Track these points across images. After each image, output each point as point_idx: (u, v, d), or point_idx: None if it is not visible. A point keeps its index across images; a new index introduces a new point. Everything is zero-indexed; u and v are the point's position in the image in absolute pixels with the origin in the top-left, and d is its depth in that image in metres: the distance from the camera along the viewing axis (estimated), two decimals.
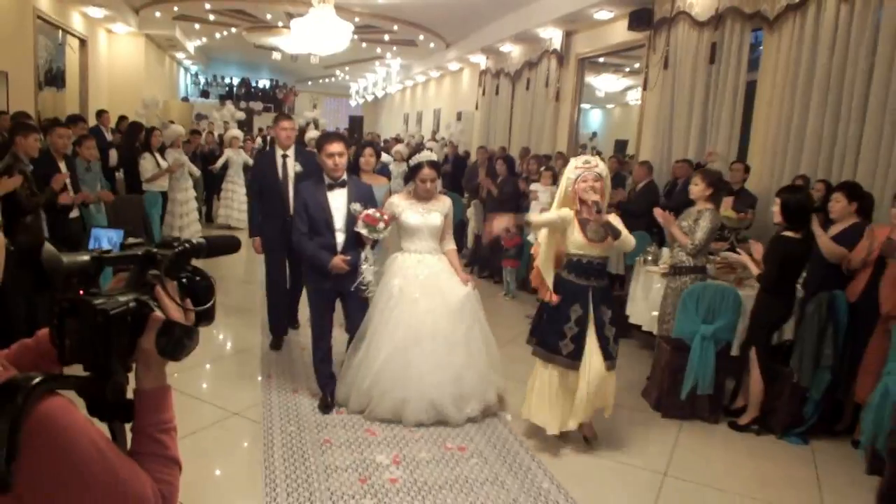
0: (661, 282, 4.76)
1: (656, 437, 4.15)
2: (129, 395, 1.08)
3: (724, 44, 7.43)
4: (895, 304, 3.64)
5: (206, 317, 1.17)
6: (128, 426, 1.09)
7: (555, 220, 3.77)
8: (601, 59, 11.74)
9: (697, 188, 4.45)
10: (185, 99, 22.63)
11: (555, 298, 3.78)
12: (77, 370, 1.02)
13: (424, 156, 4.18)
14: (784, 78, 6.60)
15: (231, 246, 1.27)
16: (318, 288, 4.17)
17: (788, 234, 3.96)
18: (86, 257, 1.06)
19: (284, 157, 5.26)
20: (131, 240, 1.16)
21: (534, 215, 3.94)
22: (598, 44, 10.32)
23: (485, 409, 4.18)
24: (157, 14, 13.66)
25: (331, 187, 4.11)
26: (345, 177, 4.16)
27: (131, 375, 1.09)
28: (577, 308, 3.73)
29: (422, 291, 4.05)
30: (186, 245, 1.16)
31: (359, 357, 4.10)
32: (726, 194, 5.59)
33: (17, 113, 7.17)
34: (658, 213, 4.52)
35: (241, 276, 7.83)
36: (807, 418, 4.15)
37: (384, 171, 6.68)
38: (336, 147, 4.06)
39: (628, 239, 3.74)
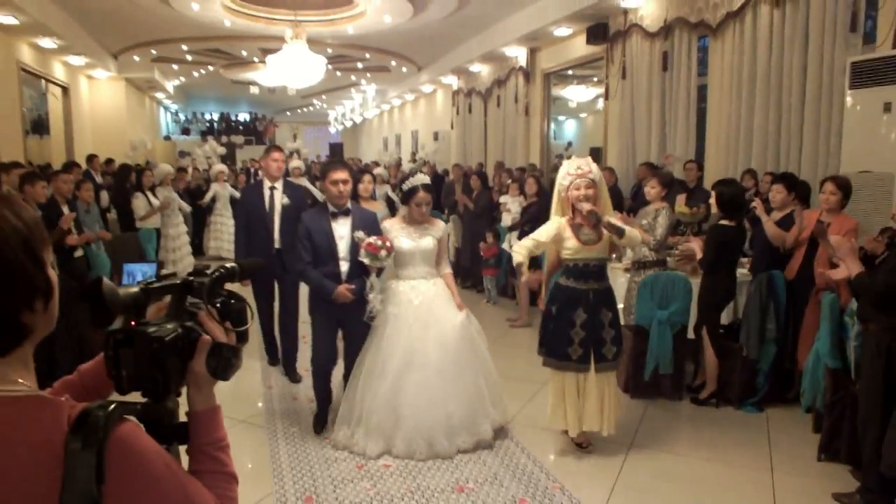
0: (624, 276, 5.18)
1: (624, 415, 4.54)
2: (181, 418, 1.16)
3: (674, 52, 7.94)
4: (825, 280, 4.07)
5: (244, 337, 1.24)
6: (182, 448, 1.16)
7: (532, 248, 3.86)
8: (570, 72, 12.24)
9: (654, 190, 4.91)
10: (167, 137, 23.06)
11: (541, 304, 3.94)
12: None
13: (419, 179, 4.14)
14: (730, 80, 7.09)
15: (259, 267, 1.50)
16: (322, 317, 4.15)
17: (724, 222, 4.42)
18: (136, 289, 1.12)
19: (272, 189, 5.24)
20: (164, 271, 1.31)
21: (518, 256, 3.84)
22: (560, 58, 10.83)
23: (477, 442, 4.02)
24: (136, 58, 14.12)
25: (335, 216, 4.08)
26: (349, 205, 4.14)
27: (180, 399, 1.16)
28: (581, 313, 3.77)
29: (415, 319, 3.98)
30: (221, 271, 1.23)
31: (354, 389, 4.04)
32: (681, 191, 6.04)
33: (11, 163, 7.54)
34: (618, 216, 4.96)
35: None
36: (759, 388, 4.58)
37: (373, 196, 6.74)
38: (341, 174, 4.04)
39: (633, 234, 3.84)
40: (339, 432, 4.04)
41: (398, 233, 4.12)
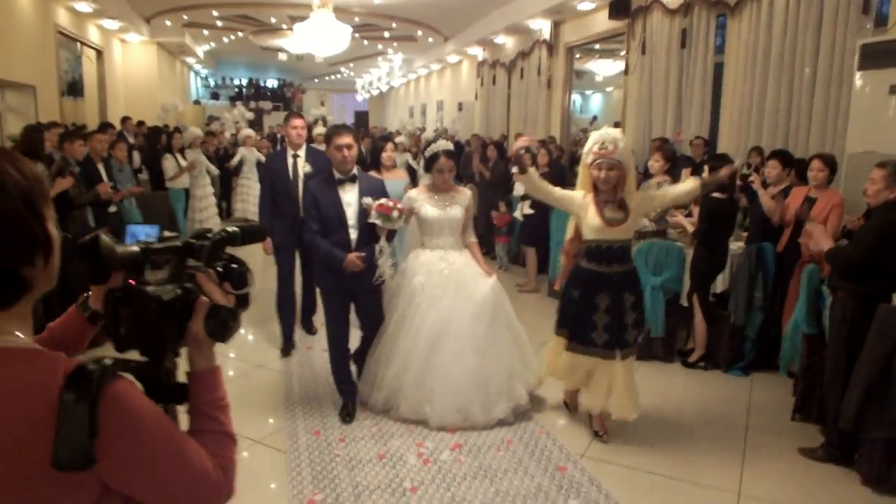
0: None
1: None
2: (180, 378, 1.18)
3: (693, 29, 8.04)
4: (809, 254, 4.29)
5: (244, 302, 1.23)
6: (181, 408, 1.18)
7: (540, 185, 3.74)
8: (597, 46, 12.31)
9: (657, 164, 5.15)
10: (197, 102, 23.45)
11: (556, 284, 3.87)
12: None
13: (441, 145, 4.09)
14: (745, 60, 7.21)
15: (262, 232, 1.34)
16: (331, 287, 4.04)
17: (716, 195, 4.63)
18: (136, 248, 1.14)
19: (295, 156, 5.19)
20: (167, 233, 1.25)
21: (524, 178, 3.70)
22: (583, 32, 10.93)
23: (515, 407, 4.03)
24: (168, 23, 14.41)
25: (341, 183, 3.95)
26: (355, 171, 4.02)
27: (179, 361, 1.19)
28: (605, 297, 3.63)
29: (444, 288, 3.94)
30: (222, 234, 1.22)
31: (379, 355, 4.03)
32: (687, 166, 6.23)
33: (50, 123, 7.92)
34: None
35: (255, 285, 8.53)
36: (746, 354, 4.84)
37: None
38: (345, 139, 3.90)
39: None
40: (374, 395, 4.06)
41: (424, 202, 4.04)
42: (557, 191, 3.80)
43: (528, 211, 7.07)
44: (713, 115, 7.96)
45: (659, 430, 4.02)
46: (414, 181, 6.40)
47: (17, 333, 0.98)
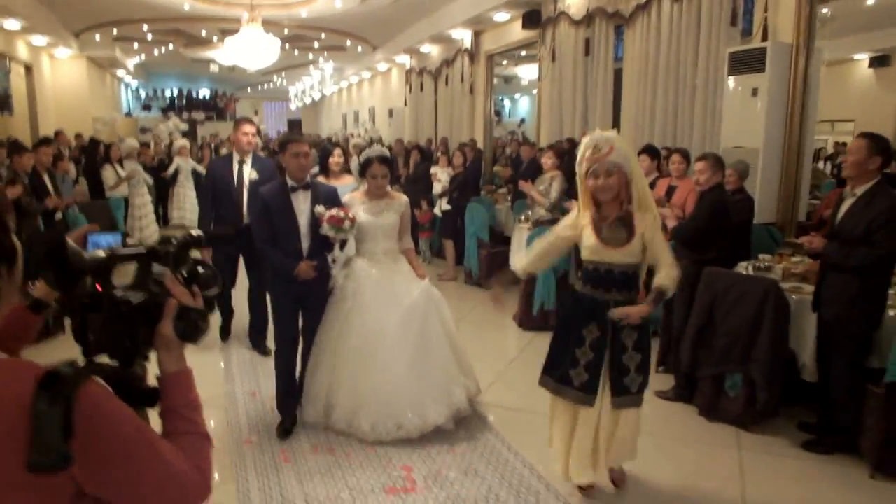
0: (528, 234, 6.15)
1: (513, 342, 5.68)
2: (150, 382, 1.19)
3: (595, 39, 8.86)
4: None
5: (212, 304, 1.26)
6: (152, 412, 1.18)
7: (540, 253, 3.30)
8: (523, 52, 13.07)
9: (550, 161, 5.86)
10: (129, 114, 23.38)
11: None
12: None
13: (374, 151, 4.06)
14: (640, 65, 8.03)
15: (227, 236, 1.64)
16: (283, 294, 3.97)
17: None
18: (102, 254, 1.15)
19: (241, 163, 5.15)
20: (129, 241, 1.45)
21: (518, 264, 3.38)
22: (501, 41, 11.69)
23: (454, 413, 3.92)
24: (97, 37, 14.57)
25: (294, 190, 3.90)
26: (308, 179, 4.00)
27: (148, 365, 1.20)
28: (594, 328, 3.06)
29: (374, 295, 3.89)
30: (187, 238, 1.26)
31: (312, 366, 3.99)
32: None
33: None
34: (521, 184, 5.91)
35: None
36: None
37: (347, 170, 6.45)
38: (302, 147, 3.86)
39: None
40: (307, 408, 4.00)
41: (358, 207, 3.99)
42: (546, 241, 3.29)
43: (446, 207, 7.78)
44: (615, 117, 8.78)
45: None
46: None
47: None
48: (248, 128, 5.22)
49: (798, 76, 6.04)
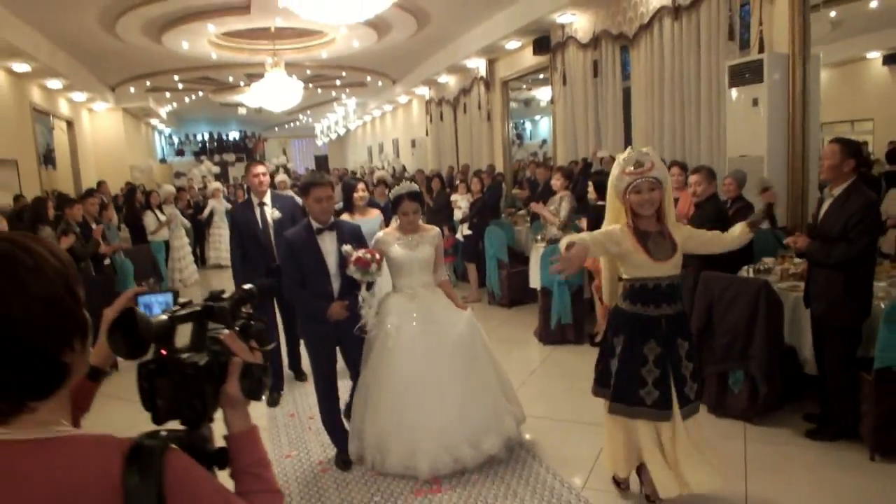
0: (542, 250, 6.46)
1: (535, 355, 5.95)
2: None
3: (602, 60, 9.20)
4: None
5: (267, 357, 1.26)
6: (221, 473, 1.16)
7: (587, 239, 3.12)
8: (541, 76, 13.43)
9: (559, 182, 6.17)
10: (163, 160, 24.31)
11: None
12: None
13: (404, 187, 4.04)
14: (646, 83, 8.33)
15: (274, 288, 1.64)
16: (317, 338, 3.99)
17: (599, 203, 5.66)
18: (164, 317, 1.14)
19: (261, 204, 5.20)
20: (182, 300, 1.24)
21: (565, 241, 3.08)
22: (514, 67, 12.09)
23: (506, 441, 3.93)
24: (132, 89, 15.38)
25: (319, 231, 3.93)
26: (331, 219, 4.00)
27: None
28: (654, 345, 3.10)
29: (418, 329, 3.86)
30: (241, 293, 1.27)
31: (360, 409, 3.92)
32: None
33: (37, 198, 8.78)
34: (532, 205, 6.23)
35: None
36: None
37: (372, 203, 6.43)
38: (324, 192, 3.89)
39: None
40: (350, 444, 3.97)
41: (392, 243, 3.99)
42: (591, 236, 3.20)
43: (467, 232, 8.13)
44: (626, 134, 9.07)
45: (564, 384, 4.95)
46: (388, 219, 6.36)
47: (63, 422, 0.98)
48: (258, 168, 5.32)
49: (796, 84, 6.27)
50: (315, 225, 3.95)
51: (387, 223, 5.24)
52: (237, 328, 1.24)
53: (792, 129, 6.34)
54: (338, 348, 4.08)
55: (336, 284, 3.92)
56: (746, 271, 4.56)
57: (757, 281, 4.14)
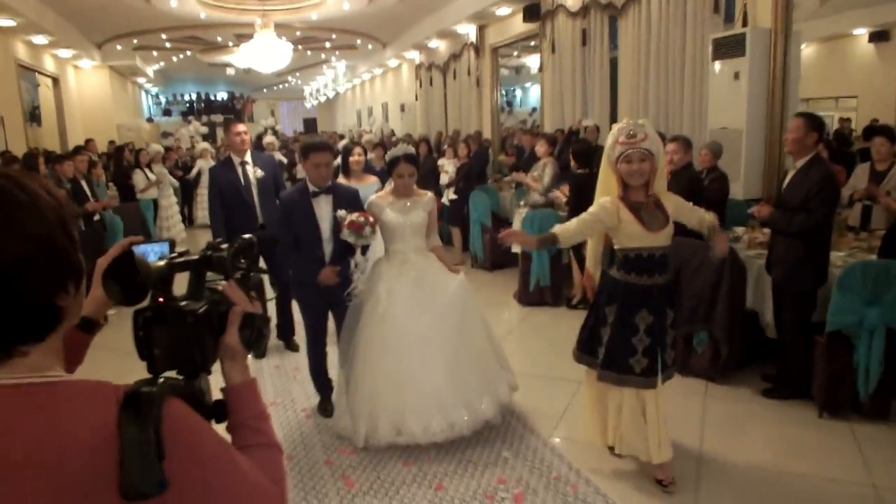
0: (523, 215, 6.65)
1: (514, 316, 6.19)
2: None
3: (591, 29, 9.26)
4: None
5: (265, 310, 1.21)
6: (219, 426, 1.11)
7: (575, 230, 3.24)
8: (532, 42, 13.47)
9: (542, 148, 6.32)
10: (150, 119, 24.16)
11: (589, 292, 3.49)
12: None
13: (400, 149, 3.96)
14: (633, 54, 8.41)
15: (273, 240, 1.49)
16: (309, 300, 4.05)
17: (579, 171, 5.83)
18: (162, 264, 1.10)
19: (243, 163, 5.11)
20: (178, 249, 1.21)
21: (559, 227, 3.28)
22: (504, 34, 12.09)
23: (500, 407, 3.90)
24: (119, 47, 15.23)
25: (315, 195, 3.92)
26: (328, 183, 3.97)
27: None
28: (646, 314, 3.17)
29: (410, 293, 3.79)
30: (240, 243, 1.21)
31: (351, 377, 3.81)
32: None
33: (28, 154, 8.81)
34: (514, 174, 6.37)
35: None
36: None
37: (369, 168, 6.37)
38: (323, 157, 3.86)
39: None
40: (340, 422, 3.91)
41: (385, 207, 3.89)
42: (580, 221, 3.25)
43: (453, 196, 8.29)
44: (612, 103, 9.19)
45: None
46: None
47: (56, 367, 0.95)
48: (240, 127, 5.20)
49: (777, 59, 6.39)
50: (311, 188, 3.94)
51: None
52: (236, 278, 1.19)
53: (771, 103, 6.47)
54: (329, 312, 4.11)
55: (328, 249, 3.94)
56: None
57: None
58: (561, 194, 6.16)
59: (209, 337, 1.10)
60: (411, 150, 4.05)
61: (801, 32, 6.71)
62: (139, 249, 1.25)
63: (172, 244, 1.30)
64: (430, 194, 4.08)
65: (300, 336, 5.06)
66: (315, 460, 3.74)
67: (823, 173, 3.73)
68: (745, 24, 6.67)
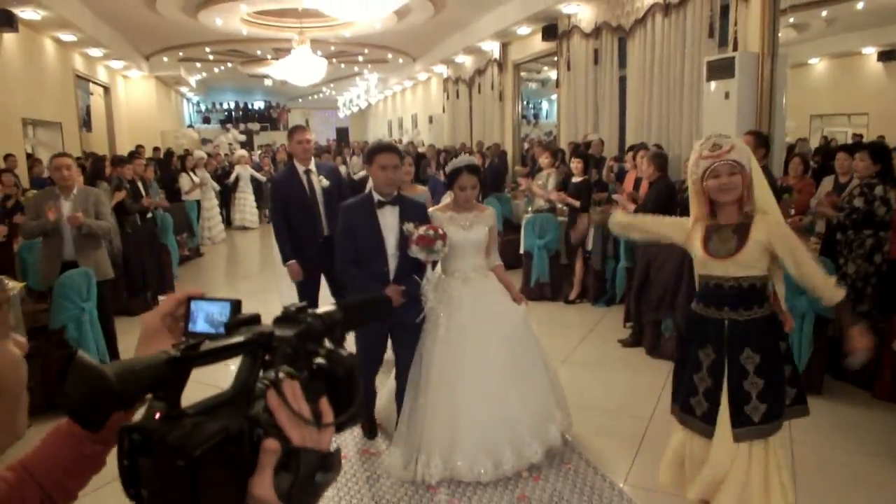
0: (527, 218, 7.36)
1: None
2: None
3: (602, 50, 9.95)
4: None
5: (352, 420, 0.74)
6: None
7: (639, 224, 3.10)
8: (555, 59, 14.17)
9: (546, 160, 7.01)
10: (190, 126, 25.34)
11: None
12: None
13: (463, 160, 3.67)
14: (639, 73, 9.08)
15: (375, 308, 0.87)
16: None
17: (576, 179, 6.52)
18: (162, 357, 0.65)
19: (308, 172, 4.80)
20: (243, 315, 0.75)
21: (620, 218, 3.19)
22: (525, 52, 12.81)
23: (548, 451, 3.61)
24: (165, 59, 16.28)
25: (380, 205, 3.60)
26: (395, 193, 3.66)
27: None
28: (709, 350, 2.75)
29: (468, 320, 3.53)
30: (312, 320, 0.72)
31: (408, 407, 3.57)
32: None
33: (96, 157, 9.76)
34: (521, 181, 7.07)
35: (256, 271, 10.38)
36: (607, 291, 6.76)
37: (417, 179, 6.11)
38: (389, 159, 3.56)
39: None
40: (393, 456, 3.59)
41: (446, 221, 3.62)
42: (653, 218, 3.11)
43: None
44: (621, 119, 9.85)
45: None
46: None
47: None
48: (304, 135, 4.90)
49: (764, 80, 7.01)
50: (376, 197, 3.63)
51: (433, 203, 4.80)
52: (313, 367, 0.71)
53: (759, 120, 7.09)
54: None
55: (393, 265, 3.60)
56: None
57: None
58: (538, 191, 6.82)
59: (229, 483, 0.66)
60: (474, 160, 3.79)
61: (786, 55, 7.33)
62: (196, 307, 0.93)
63: (236, 306, 0.87)
64: (491, 209, 3.83)
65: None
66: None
67: (769, 183, 4.38)
68: (736, 47, 7.29)
